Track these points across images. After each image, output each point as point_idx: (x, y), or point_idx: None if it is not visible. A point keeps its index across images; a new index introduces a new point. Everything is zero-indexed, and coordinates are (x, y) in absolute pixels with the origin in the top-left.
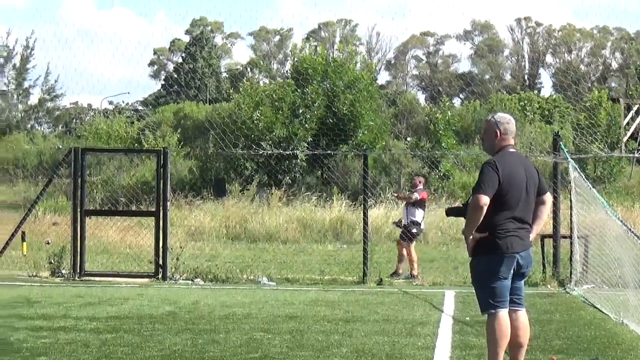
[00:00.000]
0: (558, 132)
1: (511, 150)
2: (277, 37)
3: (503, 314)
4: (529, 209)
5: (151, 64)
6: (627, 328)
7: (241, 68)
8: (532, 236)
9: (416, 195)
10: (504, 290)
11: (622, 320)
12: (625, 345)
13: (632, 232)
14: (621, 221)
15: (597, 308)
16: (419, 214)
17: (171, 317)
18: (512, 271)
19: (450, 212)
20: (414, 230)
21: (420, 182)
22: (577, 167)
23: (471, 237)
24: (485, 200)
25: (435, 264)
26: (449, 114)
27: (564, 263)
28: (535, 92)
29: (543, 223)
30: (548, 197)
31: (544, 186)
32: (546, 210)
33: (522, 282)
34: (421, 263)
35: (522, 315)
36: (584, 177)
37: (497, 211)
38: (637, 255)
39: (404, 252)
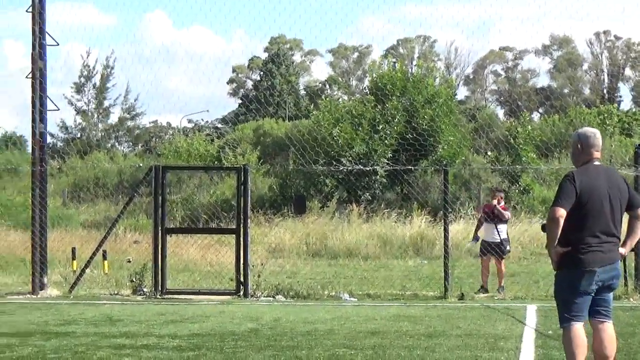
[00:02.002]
0: (639, 144)
1: (595, 163)
2: (356, 54)
3: (577, 327)
4: (615, 222)
5: (230, 81)
6: None
7: (320, 85)
8: (624, 250)
9: (509, 215)
10: (582, 305)
11: None
12: None
13: None
14: None
15: None
16: (505, 230)
17: (253, 334)
18: (595, 285)
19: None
20: (508, 248)
21: (502, 199)
22: None
23: (554, 251)
24: (560, 212)
25: (517, 278)
26: (529, 127)
27: None
28: (615, 105)
29: (638, 237)
30: None
31: (637, 200)
32: None
33: (610, 294)
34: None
35: (609, 327)
36: None
37: (578, 225)
38: None
39: (502, 267)
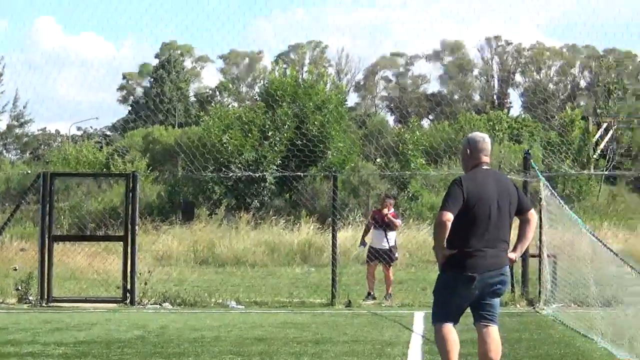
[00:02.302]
0: (528, 150)
1: (484, 167)
2: (247, 60)
3: (447, 327)
4: (503, 227)
5: (120, 88)
6: (596, 345)
7: (210, 92)
8: (514, 255)
9: (399, 222)
10: (457, 308)
11: (592, 338)
12: None
13: (605, 245)
14: (594, 236)
15: (566, 326)
16: (394, 237)
17: (140, 341)
18: (476, 290)
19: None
20: (397, 255)
21: (392, 205)
22: (548, 185)
23: (441, 253)
24: (447, 216)
25: (404, 285)
26: (417, 134)
27: (532, 282)
28: (505, 111)
29: (528, 242)
30: (532, 215)
31: (525, 204)
32: (531, 229)
33: (496, 300)
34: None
35: (494, 331)
36: (556, 194)
37: (464, 229)
38: (609, 272)
39: (390, 274)
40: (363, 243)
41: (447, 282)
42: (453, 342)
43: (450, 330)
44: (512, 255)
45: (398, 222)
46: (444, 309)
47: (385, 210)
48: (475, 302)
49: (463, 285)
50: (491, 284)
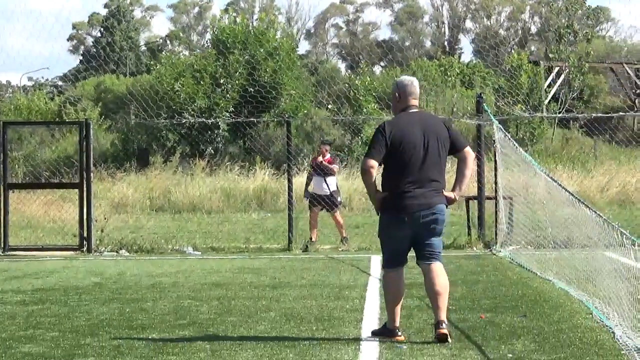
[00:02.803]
0: (481, 94)
1: (412, 111)
2: (197, 9)
3: (393, 274)
4: (433, 167)
5: (70, 38)
6: (553, 286)
7: (160, 41)
8: (452, 194)
9: (336, 167)
10: (398, 248)
11: (549, 279)
12: (552, 302)
13: (561, 185)
14: (549, 176)
15: (523, 267)
16: (334, 182)
17: (97, 287)
18: (409, 230)
19: None
20: (339, 199)
21: (327, 151)
22: (501, 127)
23: (376, 197)
24: (371, 163)
25: (361, 230)
26: (369, 79)
27: (489, 225)
28: (456, 57)
29: (466, 179)
30: (467, 153)
31: (460, 142)
32: (467, 166)
33: (435, 239)
34: (346, 229)
35: (436, 266)
36: (509, 137)
37: (393, 172)
38: (564, 213)
39: (339, 218)
40: (307, 194)
41: (384, 224)
42: (398, 288)
43: (396, 275)
44: (450, 194)
45: (335, 167)
46: (387, 252)
47: (320, 158)
48: (414, 242)
49: (396, 226)
50: (424, 223)
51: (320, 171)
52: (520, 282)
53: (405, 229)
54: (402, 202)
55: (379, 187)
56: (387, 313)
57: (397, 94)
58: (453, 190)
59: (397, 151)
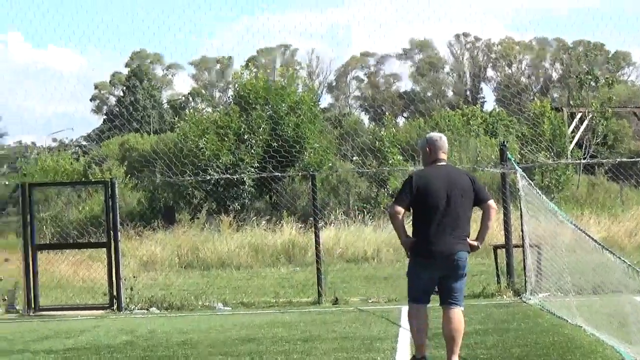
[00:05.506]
0: (504, 142)
1: (439, 164)
2: (218, 66)
3: (417, 308)
4: (456, 217)
5: (93, 98)
6: (584, 332)
7: (183, 98)
8: (476, 242)
9: None
10: (422, 288)
11: (580, 325)
12: (584, 349)
13: (586, 234)
14: (573, 224)
15: (553, 314)
16: None
17: (129, 345)
18: (434, 274)
19: None
20: None
21: None
22: (525, 175)
23: (404, 240)
24: (396, 209)
25: (390, 281)
26: (394, 129)
27: (518, 273)
28: (478, 106)
29: (488, 230)
30: (489, 206)
31: (483, 195)
32: (489, 218)
33: (457, 283)
34: (375, 281)
35: (455, 311)
36: (532, 184)
37: (420, 219)
38: (592, 259)
39: None
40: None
41: (411, 265)
42: (420, 321)
43: (418, 310)
44: (474, 243)
45: None
46: (412, 290)
47: None
48: (439, 286)
49: (422, 267)
50: (447, 269)
51: None
52: (551, 330)
53: (429, 271)
54: (427, 247)
55: (409, 232)
56: (413, 343)
57: (427, 149)
58: (476, 239)
59: (422, 200)
